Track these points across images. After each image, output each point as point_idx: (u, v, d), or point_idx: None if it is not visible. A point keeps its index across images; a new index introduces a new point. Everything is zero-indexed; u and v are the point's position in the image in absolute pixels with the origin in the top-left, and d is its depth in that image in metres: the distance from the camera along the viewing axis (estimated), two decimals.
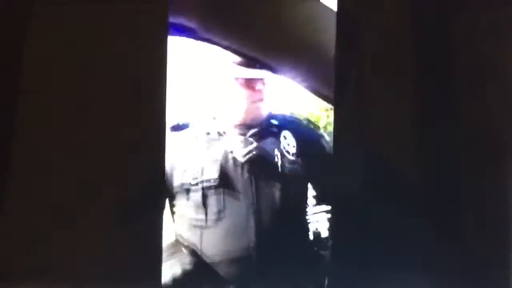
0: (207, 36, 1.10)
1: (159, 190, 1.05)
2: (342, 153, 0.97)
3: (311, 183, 1.23)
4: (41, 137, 0.97)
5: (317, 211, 1.25)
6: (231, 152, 1.21)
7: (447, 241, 0.94)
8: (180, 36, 1.09)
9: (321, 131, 1.25)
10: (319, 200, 1.27)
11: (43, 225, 0.96)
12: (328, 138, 1.24)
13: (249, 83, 1.22)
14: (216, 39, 1.10)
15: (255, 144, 1.21)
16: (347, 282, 0.98)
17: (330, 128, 1.33)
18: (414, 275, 0.95)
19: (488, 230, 0.93)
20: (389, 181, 0.96)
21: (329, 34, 1.04)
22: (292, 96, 1.26)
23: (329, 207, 1.26)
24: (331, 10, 1.06)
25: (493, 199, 0.93)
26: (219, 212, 1.19)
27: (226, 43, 1.12)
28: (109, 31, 0.98)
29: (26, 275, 0.96)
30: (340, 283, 0.98)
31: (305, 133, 1.25)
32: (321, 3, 1.11)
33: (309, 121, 1.26)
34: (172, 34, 1.05)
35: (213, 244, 1.18)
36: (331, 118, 1.28)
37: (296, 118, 1.26)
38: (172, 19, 1.04)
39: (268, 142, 1.23)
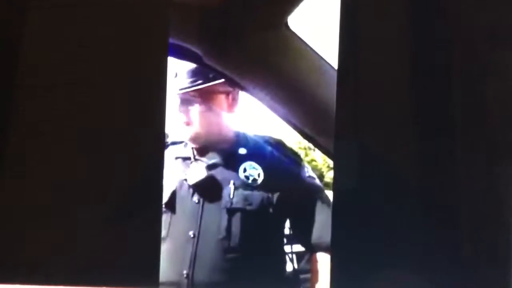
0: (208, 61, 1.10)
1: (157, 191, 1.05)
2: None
3: (262, 220, 1.21)
4: (39, 134, 0.96)
5: (289, 251, 1.25)
6: (185, 180, 1.20)
7: (446, 242, 0.97)
8: (178, 58, 1.10)
9: (303, 166, 1.24)
10: (289, 240, 1.27)
11: (33, 224, 0.95)
12: (311, 173, 1.24)
13: (223, 103, 1.22)
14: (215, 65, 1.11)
15: (205, 173, 1.19)
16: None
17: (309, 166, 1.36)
18: (414, 276, 0.97)
19: (487, 229, 0.96)
20: (387, 182, 0.99)
21: (329, 88, 1.08)
22: (273, 128, 1.27)
23: (300, 249, 1.26)
24: (333, 68, 1.09)
25: (492, 198, 0.95)
26: (163, 238, 1.17)
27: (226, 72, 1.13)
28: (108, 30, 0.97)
29: (20, 272, 0.95)
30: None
31: (279, 167, 1.23)
32: (325, 60, 1.14)
33: (289, 152, 1.26)
34: (172, 55, 1.06)
35: None
36: (310, 157, 1.30)
37: (277, 150, 1.25)
38: (173, 41, 1.04)
39: (226, 172, 1.22)
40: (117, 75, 0.96)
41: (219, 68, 1.10)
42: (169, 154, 1.24)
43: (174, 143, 1.26)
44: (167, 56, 1.02)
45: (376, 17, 0.93)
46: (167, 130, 1.16)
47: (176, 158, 1.24)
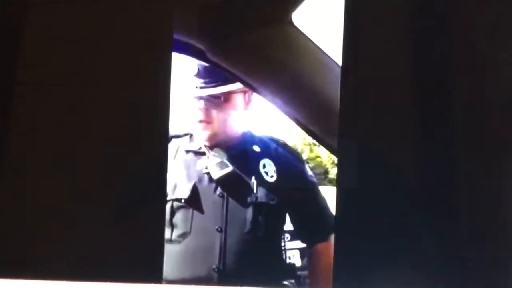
0: (213, 58, 1.11)
1: (160, 187, 1.06)
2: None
3: (283, 216, 1.23)
4: (43, 133, 0.96)
5: (291, 247, 1.26)
6: (207, 174, 1.22)
7: (448, 242, 0.97)
8: (182, 53, 1.10)
9: (305, 164, 1.26)
10: (292, 236, 1.28)
11: (38, 221, 0.96)
12: (310, 172, 1.26)
13: (230, 99, 1.23)
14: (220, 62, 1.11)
15: (231, 168, 1.21)
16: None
17: (312, 163, 1.36)
18: (416, 277, 0.97)
19: (487, 229, 0.95)
20: (389, 179, 0.98)
21: (334, 86, 1.07)
22: (277, 124, 1.27)
23: (304, 245, 1.28)
24: (338, 65, 1.09)
25: (492, 198, 0.95)
26: (185, 233, 1.19)
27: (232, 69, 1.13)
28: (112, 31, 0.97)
29: (25, 267, 0.95)
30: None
31: (286, 164, 1.26)
32: (330, 57, 1.15)
33: (292, 150, 1.28)
34: (176, 51, 1.06)
35: (174, 261, 1.16)
36: (314, 153, 1.30)
37: (281, 147, 1.27)
38: (176, 36, 1.05)
39: (246, 167, 1.23)
40: (121, 71, 0.97)
41: (223, 65, 1.10)
42: (179, 148, 1.25)
43: (177, 136, 1.27)
44: (171, 52, 1.03)
45: (379, 16, 0.94)
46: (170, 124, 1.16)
47: (187, 151, 1.24)
